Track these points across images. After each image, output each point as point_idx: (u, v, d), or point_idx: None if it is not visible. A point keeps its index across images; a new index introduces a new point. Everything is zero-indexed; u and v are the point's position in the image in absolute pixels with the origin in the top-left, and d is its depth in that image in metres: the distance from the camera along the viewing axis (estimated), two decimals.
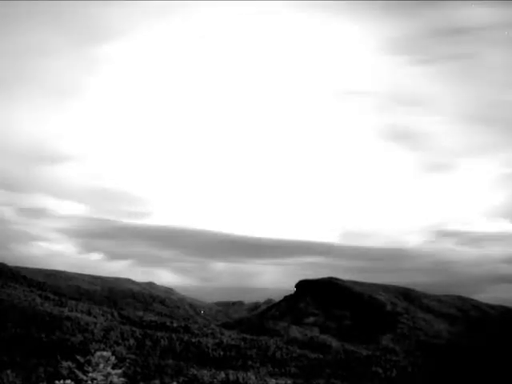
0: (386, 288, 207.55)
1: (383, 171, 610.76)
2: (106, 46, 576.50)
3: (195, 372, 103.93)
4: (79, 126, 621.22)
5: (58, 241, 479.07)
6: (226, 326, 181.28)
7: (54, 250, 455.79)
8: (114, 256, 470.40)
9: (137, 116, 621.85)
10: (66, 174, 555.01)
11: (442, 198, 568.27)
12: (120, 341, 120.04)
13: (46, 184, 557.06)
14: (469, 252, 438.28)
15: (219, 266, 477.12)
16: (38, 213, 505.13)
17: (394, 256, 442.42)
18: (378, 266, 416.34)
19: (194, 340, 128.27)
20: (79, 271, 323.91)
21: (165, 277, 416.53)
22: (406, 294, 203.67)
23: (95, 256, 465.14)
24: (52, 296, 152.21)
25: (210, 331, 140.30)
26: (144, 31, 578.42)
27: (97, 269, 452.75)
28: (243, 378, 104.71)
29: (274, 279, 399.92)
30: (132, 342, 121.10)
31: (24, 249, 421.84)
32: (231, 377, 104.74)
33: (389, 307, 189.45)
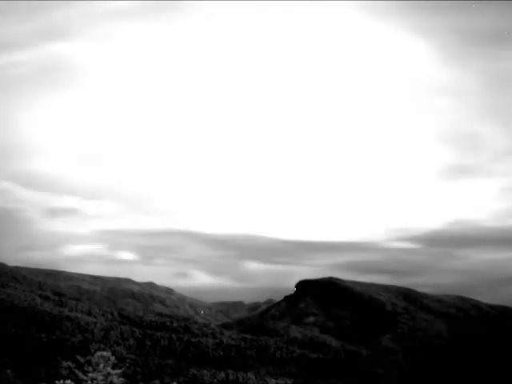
0: (386, 288, 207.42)
1: (426, 171, 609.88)
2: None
3: (195, 372, 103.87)
4: (107, 129, 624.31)
5: (89, 241, 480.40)
6: (226, 326, 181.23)
7: (85, 250, 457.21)
8: (145, 256, 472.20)
9: (164, 121, 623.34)
10: (95, 176, 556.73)
11: (477, 200, 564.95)
12: (120, 341, 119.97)
13: (75, 185, 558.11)
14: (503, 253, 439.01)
15: (254, 266, 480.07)
16: (69, 213, 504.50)
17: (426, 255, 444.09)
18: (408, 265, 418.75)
19: (194, 340, 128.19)
20: (108, 271, 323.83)
21: (198, 277, 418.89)
22: (406, 294, 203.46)
23: (127, 256, 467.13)
24: (52, 296, 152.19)
25: (210, 331, 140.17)
26: (154, 29, 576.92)
27: (130, 268, 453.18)
28: (243, 378, 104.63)
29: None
30: (132, 341, 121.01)
31: (56, 250, 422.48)
32: (231, 377, 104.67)
33: (389, 307, 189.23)
